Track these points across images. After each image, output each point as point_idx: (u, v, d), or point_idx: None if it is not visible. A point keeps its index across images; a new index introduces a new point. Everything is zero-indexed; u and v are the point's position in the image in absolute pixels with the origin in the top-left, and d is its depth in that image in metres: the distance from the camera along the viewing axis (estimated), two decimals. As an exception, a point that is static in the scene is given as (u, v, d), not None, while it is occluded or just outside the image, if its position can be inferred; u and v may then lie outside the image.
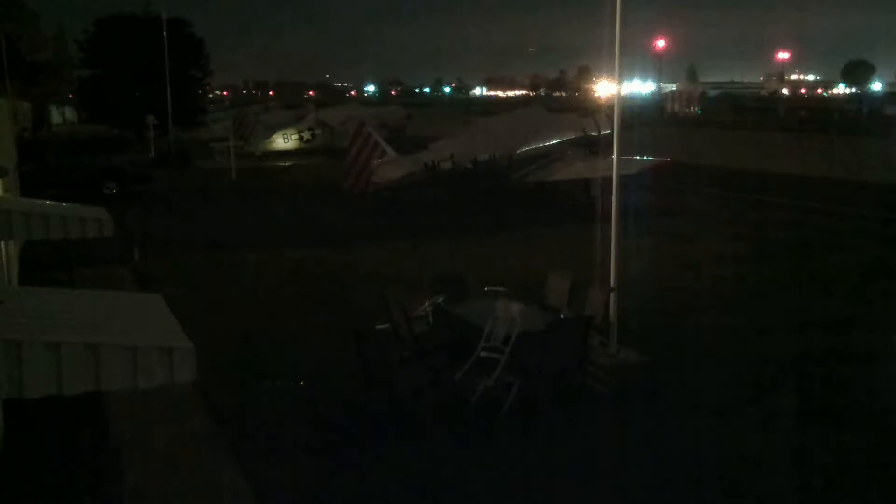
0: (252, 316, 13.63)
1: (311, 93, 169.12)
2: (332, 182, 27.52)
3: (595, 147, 26.78)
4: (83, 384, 5.12)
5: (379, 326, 10.54)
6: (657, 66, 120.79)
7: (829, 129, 55.30)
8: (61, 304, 6.71)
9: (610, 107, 13.38)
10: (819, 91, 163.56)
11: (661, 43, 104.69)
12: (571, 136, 27.99)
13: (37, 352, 4.99)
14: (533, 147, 26.78)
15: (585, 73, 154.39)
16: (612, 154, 11.13)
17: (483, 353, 9.59)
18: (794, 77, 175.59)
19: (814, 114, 78.56)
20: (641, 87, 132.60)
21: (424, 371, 9.70)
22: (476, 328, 9.88)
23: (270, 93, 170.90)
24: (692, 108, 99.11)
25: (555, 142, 27.57)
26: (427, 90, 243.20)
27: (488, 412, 9.13)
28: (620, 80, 10.75)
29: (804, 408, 9.53)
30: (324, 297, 14.54)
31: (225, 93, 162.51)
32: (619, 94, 11.21)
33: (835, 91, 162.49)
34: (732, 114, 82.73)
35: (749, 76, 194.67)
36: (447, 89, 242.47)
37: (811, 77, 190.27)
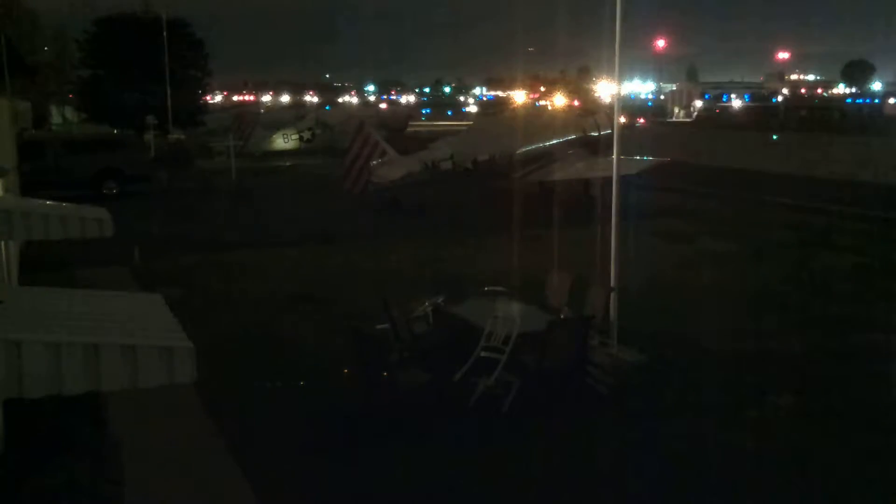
0: (252, 316, 13.63)
1: (311, 93, 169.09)
2: (333, 182, 27.53)
3: (595, 147, 26.83)
4: (83, 384, 5.12)
5: (379, 326, 10.54)
6: (657, 66, 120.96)
7: (829, 128, 55.35)
8: (61, 304, 6.71)
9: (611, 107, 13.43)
10: (819, 91, 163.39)
11: (661, 43, 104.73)
12: (571, 136, 28.00)
13: (37, 352, 4.98)
14: (533, 147, 26.79)
15: (585, 73, 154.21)
16: (612, 154, 11.14)
17: (483, 353, 9.59)
18: (794, 77, 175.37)
19: (813, 113, 78.63)
20: (641, 87, 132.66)
21: (424, 371, 9.71)
22: (476, 328, 9.88)
23: (270, 92, 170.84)
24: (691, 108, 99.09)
25: (555, 142, 27.58)
26: (427, 90, 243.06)
27: (488, 412, 9.13)
28: (620, 80, 10.76)
29: (804, 408, 9.53)
30: (323, 297, 14.54)
31: (225, 93, 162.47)
32: (619, 93, 11.22)
33: (835, 91, 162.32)
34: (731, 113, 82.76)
35: (749, 76, 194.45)
36: (447, 89, 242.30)
37: (811, 77, 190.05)
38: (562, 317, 10.61)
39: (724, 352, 11.48)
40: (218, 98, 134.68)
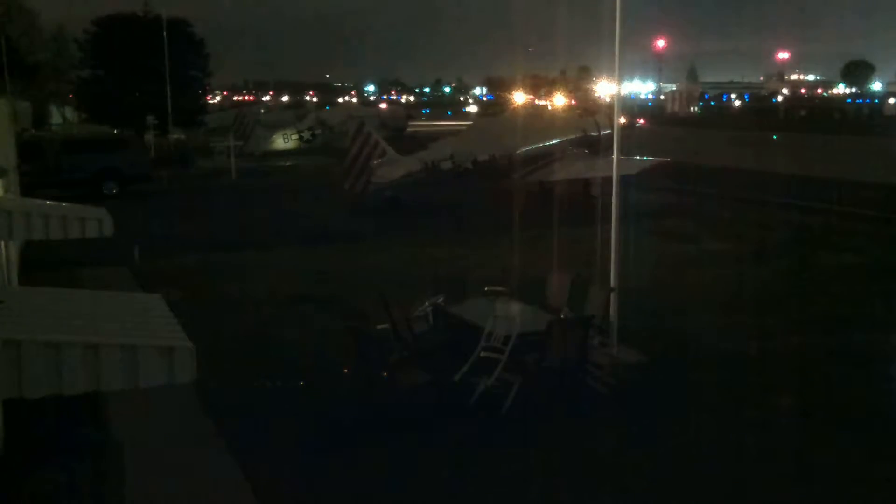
0: (252, 316, 13.63)
1: (311, 93, 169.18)
2: (333, 182, 27.53)
3: (595, 147, 26.83)
4: (83, 384, 5.12)
5: (379, 326, 10.54)
6: (657, 66, 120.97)
7: (830, 128, 55.38)
8: (61, 304, 6.71)
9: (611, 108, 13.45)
10: (819, 91, 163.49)
11: (661, 43, 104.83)
12: (571, 136, 28.00)
13: (37, 352, 4.98)
14: (533, 147, 26.79)
15: (585, 74, 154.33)
16: (612, 154, 11.13)
17: (483, 353, 9.59)
18: (794, 77, 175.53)
19: (813, 113, 78.74)
20: (641, 87, 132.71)
21: (424, 371, 9.71)
22: (476, 328, 9.88)
23: (270, 93, 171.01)
24: (692, 107, 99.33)
25: (555, 142, 27.58)
26: (427, 90, 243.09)
27: (488, 412, 9.13)
28: (620, 80, 10.76)
29: (804, 408, 9.53)
30: (324, 297, 14.54)
31: (225, 93, 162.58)
32: (619, 93, 11.22)
33: (835, 91, 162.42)
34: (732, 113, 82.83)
35: (749, 76, 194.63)
36: (447, 89, 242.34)
37: (811, 77, 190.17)
38: (562, 317, 10.61)
39: (724, 352, 11.47)
40: (218, 98, 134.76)
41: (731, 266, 17.06)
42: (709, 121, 77.56)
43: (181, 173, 35.54)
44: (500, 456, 8.34)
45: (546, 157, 26.42)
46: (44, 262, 16.60)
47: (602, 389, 9.81)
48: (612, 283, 10.71)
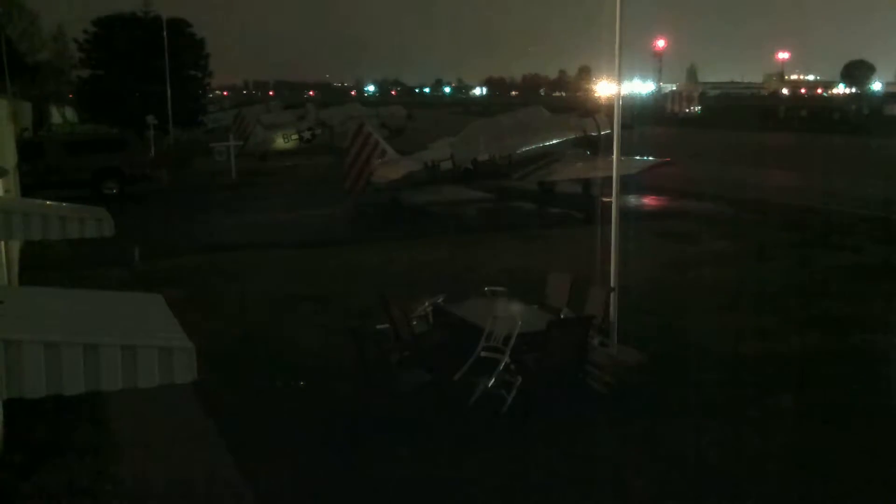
0: (252, 316, 13.62)
1: (311, 93, 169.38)
2: (333, 182, 27.53)
3: (595, 147, 26.84)
4: (83, 384, 5.11)
5: (379, 326, 10.54)
6: (657, 66, 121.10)
7: (830, 129, 55.39)
8: (61, 304, 6.71)
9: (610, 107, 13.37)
10: (819, 91, 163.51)
11: (661, 43, 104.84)
12: (571, 136, 28.02)
13: (37, 352, 4.97)
14: (533, 147, 26.81)
15: (586, 74, 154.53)
16: (612, 154, 11.12)
17: (483, 353, 9.60)
18: (794, 77, 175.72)
19: (813, 114, 78.73)
20: (641, 86, 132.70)
21: (424, 371, 9.71)
22: (476, 328, 9.88)
23: (270, 93, 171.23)
24: (692, 108, 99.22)
25: (555, 142, 27.60)
26: (427, 90, 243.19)
27: (488, 412, 9.13)
28: (620, 80, 10.75)
29: (804, 408, 9.53)
30: (324, 298, 14.53)
31: (225, 93, 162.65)
32: (619, 94, 11.20)
33: (835, 91, 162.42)
34: (732, 113, 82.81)
35: (749, 76, 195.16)
36: (447, 89, 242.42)
37: (811, 77, 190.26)
38: (562, 317, 10.61)
39: (724, 352, 11.47)
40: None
41: (731, 266, 17.04)
42: (708, 121, 77.53)
43: (180, 174, 35.52)
44: (499, 456, 8.34)
45: (546, 157, 26.44)
46: (44, 262, 16.60)
47: (602, 389, 9.81)
48: (612, 283, 10.71)
